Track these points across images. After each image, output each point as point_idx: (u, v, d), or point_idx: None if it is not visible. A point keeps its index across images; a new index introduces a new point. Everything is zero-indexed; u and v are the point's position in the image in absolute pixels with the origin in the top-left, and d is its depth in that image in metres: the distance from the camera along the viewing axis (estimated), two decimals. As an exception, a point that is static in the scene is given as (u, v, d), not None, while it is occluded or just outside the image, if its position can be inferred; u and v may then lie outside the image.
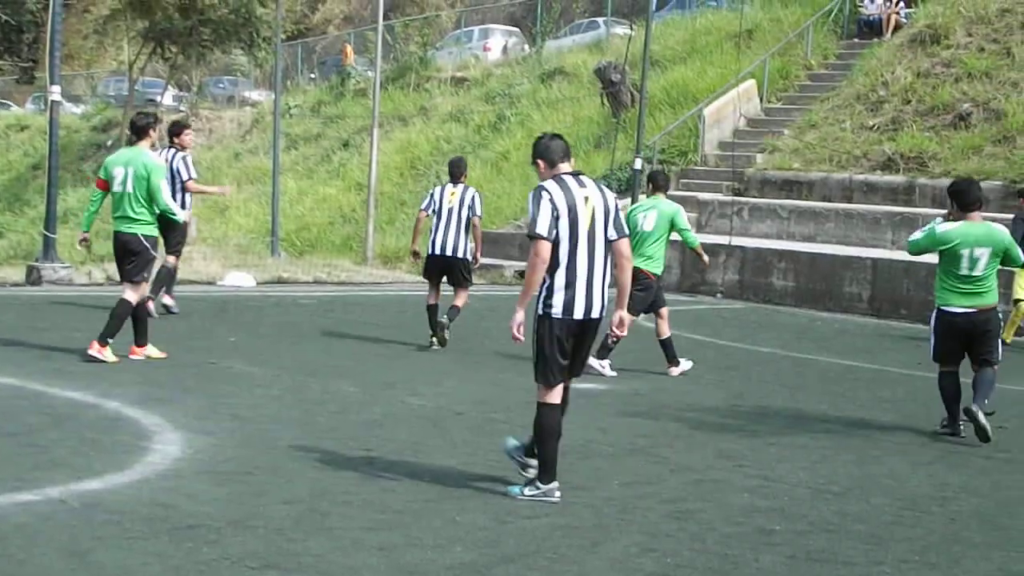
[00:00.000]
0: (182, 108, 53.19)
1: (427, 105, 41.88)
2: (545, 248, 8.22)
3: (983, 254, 11.40)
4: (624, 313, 8.69)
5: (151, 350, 13.68)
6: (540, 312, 8.40)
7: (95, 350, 13.16)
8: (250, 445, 9.69)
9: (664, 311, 14.84)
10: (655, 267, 14.70)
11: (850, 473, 9.80)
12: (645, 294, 14.49)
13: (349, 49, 50.60)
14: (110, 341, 13.22)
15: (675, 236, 15.10)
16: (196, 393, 11.80)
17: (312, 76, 53.57)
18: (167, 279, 17.19)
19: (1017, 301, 18.71)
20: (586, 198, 8.37)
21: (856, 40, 34.10)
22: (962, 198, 11.58)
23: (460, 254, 15.80)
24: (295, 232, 35.08)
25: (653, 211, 14.82)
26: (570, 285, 8.29)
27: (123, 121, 37.18)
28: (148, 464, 8.91)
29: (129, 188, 13.28)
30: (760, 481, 9.30)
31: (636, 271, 13.53)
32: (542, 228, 8.22)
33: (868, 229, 25.94)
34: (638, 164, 28.01)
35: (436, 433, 10.54)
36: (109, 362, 13.08)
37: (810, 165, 28.82)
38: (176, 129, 17.33)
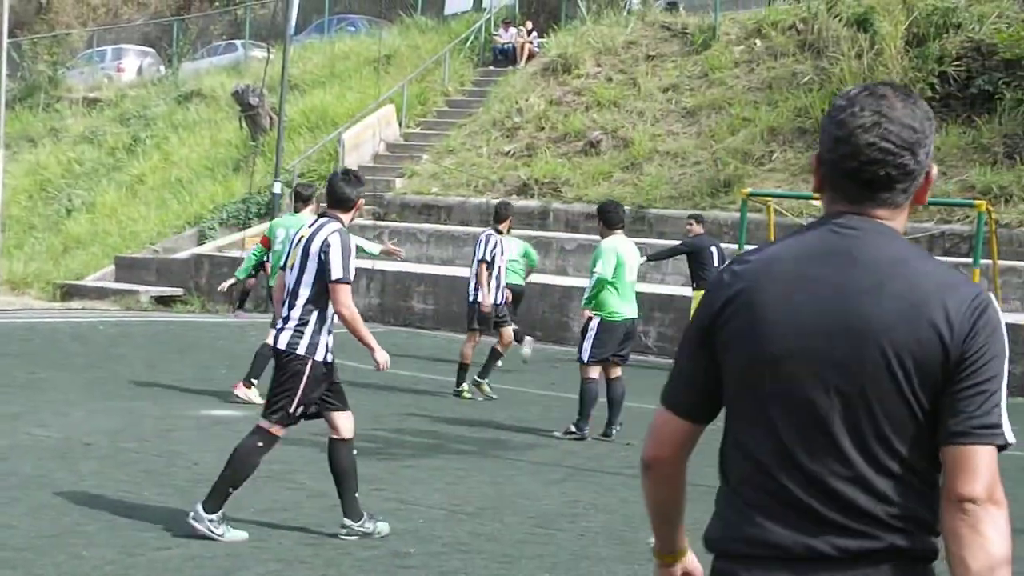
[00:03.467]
0: None
1: (57, 126, 40.51)
2: None
3: (635, 264, 12.96)
4: None
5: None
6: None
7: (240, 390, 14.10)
8: None
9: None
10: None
11: (484, 493, 9.96)
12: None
13: (-26, 67, 48.47)
14: (254, 382, 13.85)
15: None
16: None
17: (-66, 94, 51.10)
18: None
19: None
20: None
21: (491, 68, 34.82)
22: (612, 216, 12.93)
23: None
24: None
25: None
26: None
27: None
28: None
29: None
30: (396, 504, 9.35)
31: None
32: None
33: (504, 253, 26.45)
34: (277, 188, 27.84)
35: (63, 465, 10.17)
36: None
37: (448, 190, 29.25)
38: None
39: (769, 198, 22.23)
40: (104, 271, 29.98)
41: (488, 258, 15.35)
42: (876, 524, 2.74)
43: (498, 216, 15.88)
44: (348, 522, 8.28)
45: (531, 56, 34.00)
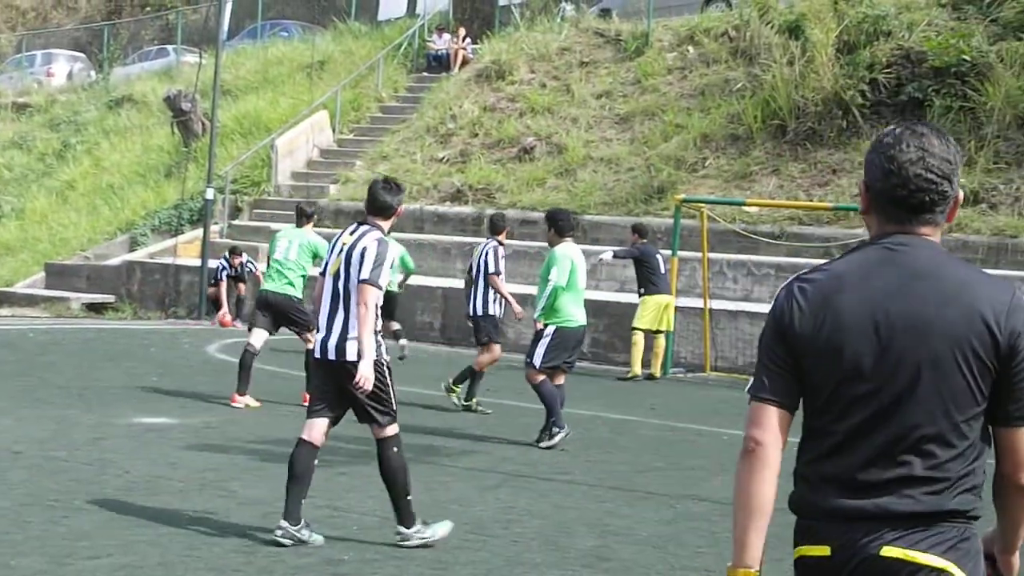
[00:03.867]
0: None
1: (-13, 131, 40.11)
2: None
3: (585, 271, 12.97)
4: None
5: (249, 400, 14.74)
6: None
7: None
8: None
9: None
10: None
11: (419, 500, 9.85)
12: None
13: (-100, 71, 47.91)
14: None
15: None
16: None
17: None
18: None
19: (636, 330, 19.46)
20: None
21: (425, 74, 34.77)
22: (563, 224, 12.93)
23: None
24: None
25: None
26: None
27: None
28: None
29: (292, 257, 14.82)
30: (329, 511, 9.31)
31: None
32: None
33: (439, 259, 26.47)
34: (209, 194, 27.66)
35: (-8, 474, 10.06)
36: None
37: (382, 196, 29.16)
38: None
39: (702, 204, 22.35)
40: (34, 278, 29.71)
41: (501, 270, 15.12)
42: (929, 491, 3.33)
43: (495, 228, 15.59)
44: (403, 530, 8.46)
45: (465, 62, 34.00)
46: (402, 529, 8.39)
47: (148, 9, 49.10)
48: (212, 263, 26.48)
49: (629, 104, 29.01)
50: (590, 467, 11.87)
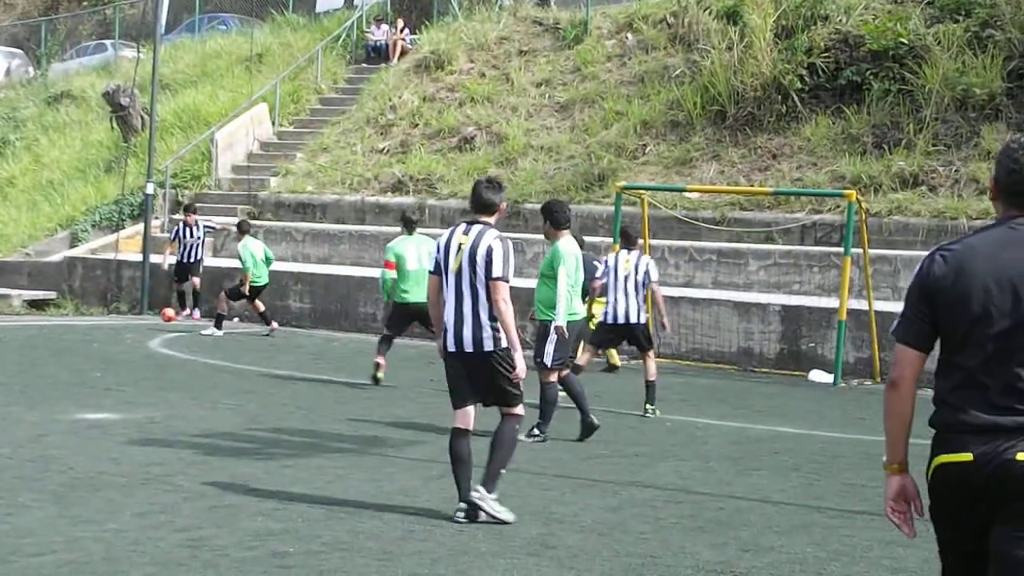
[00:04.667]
0: None
1: (-76, 129, 39.69)
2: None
3: (581, 264, 12.92)
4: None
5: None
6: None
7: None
8: None
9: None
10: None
11: (364, 491, 9.96)
12: None
13: None
14: None
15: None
16: None
17: None
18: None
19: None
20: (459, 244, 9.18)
21: (364, 65, 34.71)
22: (559, 216, 12.62)
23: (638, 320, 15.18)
24: None
25: None
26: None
27: None
28: None
29: (426, 264, 15.05)
30: (275, 504, 9.33)
31: None
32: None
33: (381, 250, 26.30)
34: (150, 189, 27.52)
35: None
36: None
37: (323, 188, 29.14)
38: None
39: (643, 191, 22.44)
40: (-26, 276, 29.46)
41: (656, 279, 15.60)
42: None
43: (630, 239, 15.96)
44: (482, 490, 9.06)
45: (404, 53, 33.96)
46: (481, 488, 8.97)
47: (85, 4, 48.72)
48: (154, 258, 26.39)
49: (569, 92, 29.08)
50: (534, 455, 11.92)
